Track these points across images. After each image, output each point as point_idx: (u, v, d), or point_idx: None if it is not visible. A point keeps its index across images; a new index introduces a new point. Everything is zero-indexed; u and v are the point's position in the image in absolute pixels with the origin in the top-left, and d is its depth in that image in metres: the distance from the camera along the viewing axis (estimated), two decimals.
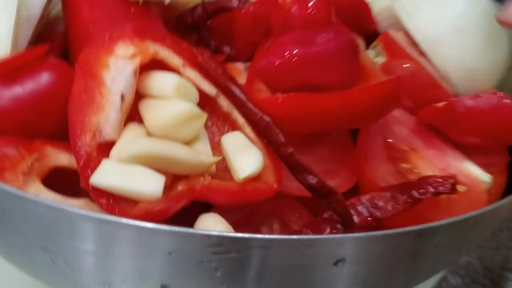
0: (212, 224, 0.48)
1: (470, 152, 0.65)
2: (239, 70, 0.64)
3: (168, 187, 0.50)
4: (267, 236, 0.43)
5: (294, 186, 0.58)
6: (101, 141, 0.49)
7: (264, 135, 0.54)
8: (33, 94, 0.54)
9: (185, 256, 0.42)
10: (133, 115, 0.54)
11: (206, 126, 0.58)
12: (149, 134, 0.52)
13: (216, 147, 0.56)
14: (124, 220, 0.40)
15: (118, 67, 0.52)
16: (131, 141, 0.48)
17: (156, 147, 0.48)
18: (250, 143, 0.53)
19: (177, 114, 0.51)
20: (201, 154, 0.51)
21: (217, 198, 0.50)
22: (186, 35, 0.68)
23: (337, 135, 0.64)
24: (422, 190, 0.54)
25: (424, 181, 0.55)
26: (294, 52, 0.55)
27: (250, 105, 0.54)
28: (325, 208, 0.53)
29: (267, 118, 0.54)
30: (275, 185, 0.51)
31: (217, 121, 0.58)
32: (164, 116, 0.51)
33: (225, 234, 0.41)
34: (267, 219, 0.59)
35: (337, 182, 0.60)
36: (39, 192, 0.50)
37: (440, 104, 0.63)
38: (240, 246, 0.41)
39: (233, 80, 0.56)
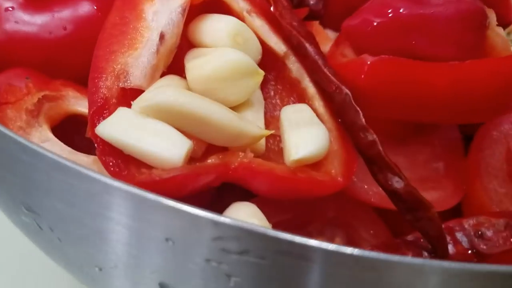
0: (243, 215, 0.35)
1: None
2: (326, 36, 0.51)
3: (198, 159, 0.38)
4: (311, 242, 0.28)
5: (372, 191, 0.43)
6: (126, 86, 0.38)
7: (339, 112, 0.40)
8: (69, 24, 0.45)
9: (187, 248, 0.29)
10: (177, 68, 0.42)
11: (267, 95, 0.46)
12: (190, 89, 0.40)
13: (275, 123, 0.43)
14: (107, 180, 0.28)
15: (164, 0, 0.41)
16: (156, 89, 0.37)
17: (187, 101, 0.35)
18: (316, 118, 0.39)
19: (226, 65, 0.38)
20: (247, 122, 0.38)
21: (257, 183, 0.37)
22: None
23: (444, 134, 0.48)
24: None
25: None
26: (400, 11, 0.41)
27: (326, 70, 0.40)
28: (411, 227, 0.38)
29: (345, 90, 0.39)
30: (340, 179, 0.37)
31: (281, 91, 0.45)
32: (209, 66, 0.39)
33: (243, 224, 0.27)
34: (327, 227, 0.44)
35: (435, 196, 0.44)
36: (45, 140, 0.40)
37: None
38: (265, 247, 0.28)
39: (310, 38, 0.42)
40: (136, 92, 0.39)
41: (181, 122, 0.36)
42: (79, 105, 0.43)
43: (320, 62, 0.41)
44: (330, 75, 0.40)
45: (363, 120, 0.38)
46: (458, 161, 0.46)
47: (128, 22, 0.41)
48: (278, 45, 0.43)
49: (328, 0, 0.51)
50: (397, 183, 0.37)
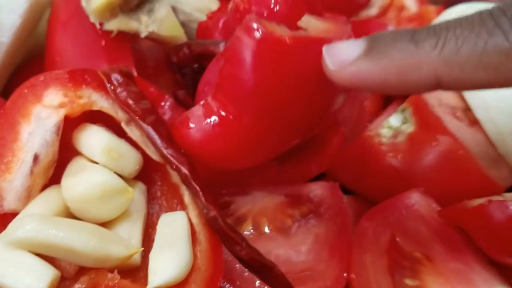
0: None
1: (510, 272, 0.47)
2: None
3: (72, 278, 0.40)
4: None
5: None
6: (0, 212, 0.40)
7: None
8: None
9: None
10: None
11: (155, 195, 0.47)
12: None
13: None
14: None
15: (41, 119, 0.43)
16: (20, 220, 0.38)
17: (47, 234, 0.37)
18: (186, 233, 0.41)
19: (94, 187, 0.40)
20: (114, 245, 0.39)
21: None
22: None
23: (331, 220, 0.50)
24: None
25: None
26: None
27: (163, 149, 0.43)
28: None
29: (184, 170, 0.42)
30: None
31: (167, 192, 0.46)
32: (78, 188, 0.40)
33: None
34: None
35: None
36: None
37: (471, 205, 0.46)
38: None
39: (148, 114, 0.44)
40: (14, 215, 0.40)
41: (47, 251, 0.38)
42: None
43: (157, 140, 0.43)
44: (167, 154, 0.42)
45: (203, 198, 0.41)
46: (343, 247, 0.48)
47: (5, 144, 0.42)
48: (155, 154, 0.45)
49: None
50: (241, 251, 0.40)
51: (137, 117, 0.43)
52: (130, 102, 0.43)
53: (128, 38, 0.54)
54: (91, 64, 0.53)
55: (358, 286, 0.45)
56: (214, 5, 0.61)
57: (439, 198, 0.52)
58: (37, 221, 0.38)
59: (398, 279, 0.46)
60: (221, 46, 0.51)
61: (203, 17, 0.60)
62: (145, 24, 0.52)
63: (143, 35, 0.53)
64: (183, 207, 0.44)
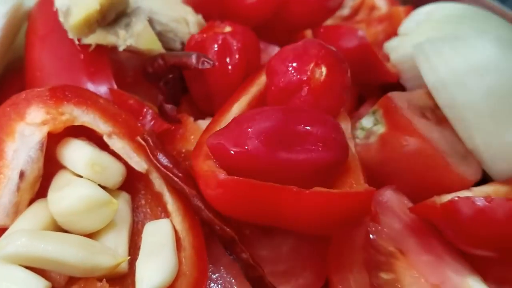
0: None
1: (479, 262, 0.50)
2: (197, 128, 0.54)
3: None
4: None
5: None
6: None
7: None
8: None
9: None
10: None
11: (139, 203, 0.49)
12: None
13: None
14: None
15: (25, 136, 0.44)
16: (10, 236, 0.40)
17: (37, 248, 0.39)
18: (170, 241, 0.43)
19: (79, 201, 0.42)
20: (101, 255, 0.41)
21: None
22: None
23: None
24: None
25: None
26: (255, 147, 0.43)
27: (207, 212, 0.45)
28: None
29: (229, 232, 0.44)
30: None
31: (150, 201, 0.48)
32: (64, 202, 0.42)
33: None
34: None
35: (297, 285, 0.49)
36: None
37: (440, 201, 0.49)
38: None
39: (185, 179, 0.46)
40: (3, 230, 0.42)
41: (37, 264, 0.40)
42: None
43: (201, 206, 0.45)
44: (212, 216, 0.44)
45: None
46: (322, 248, 0.50)
47: None
48: (139, 164, 0.47)
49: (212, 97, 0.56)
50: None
51: (180, 181, 0.45)
52: (170, 166, 0.45)
53: (106, 50, 0.56)
54: (71, 77, 0.54)
55: (337, 282, 0.47)
56: (190, 15, 0.63)
57: (410, 195, 0.54)
58: (26, 236, 0.39)
59: (374, 273, 0.48)
60: (193, 58, 0.53)
61: (180, 28, 0.62)
62: (123, 38, 0.54)
63: (121, 48, 0.54)
64: (167, 215, 0.46)
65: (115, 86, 0.54)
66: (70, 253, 0.39)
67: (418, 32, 0.69)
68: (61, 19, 0.54)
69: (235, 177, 0.42)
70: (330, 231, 0.47)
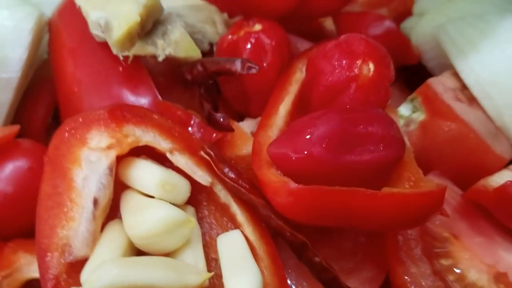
0: None
1: None
2: (247, 137, 0.54)
3: None
4: None
5: None
6: (71, 261, 0.42)
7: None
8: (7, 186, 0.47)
9: None
10: (114, 210, 0.46)
11: (202, 215, 0.49)
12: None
13: (214, 245, 0.47)
14: None
15: (91, 162, 0.44)
16: (99, 268, 0.40)
17: (126, 278, 0.39)
18: (249, 254, 0.44)
19: (158, 223, 0.42)
20: (188, 274, 0.42)
21: None
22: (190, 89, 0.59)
23: None
24: None
25: None
26: (319, 153, 0.44)
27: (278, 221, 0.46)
28: None
29: (301, 237, 0.46)
30: None
31: (214, 211, 0.49)
32: (144, 226, 0.42)
33: None
34: None
35: (362, 279, 0.51)
36: None
37: (487, 184, 0.51)
38: None
39: (252, 189, 0.47)
40: (83, 260, 0.42)
41: None
42: (32, 271, 0.46)
43: (271, 214, 0.46)
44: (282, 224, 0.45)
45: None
46: (379, 241, 0.52)
47: (61, 193, 0.43)
48: (203, 177, 0.47)
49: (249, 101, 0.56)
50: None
51: (247, 192, 0.45)
52: (236, 177, 0.46)
53: (141, 60, 0.55)
54: (112, 92, 0.53)
55: (401, 273, 0.49)
56: (216, 15, 0.62)
57: (453, 178, 0.57)
58: (117, 267, 0.40)
59: (434, 261, 0.50)
60: (238, 64, 0.53)
61: (208, 28, 0.62)
62: (162, 48, 0.53)
63: (160, 58, 0.53)
64: (236, 225, 0.47)
65: (159, 97, 0.54)
66: (160, 277, 0.40)
67: (435, 11, 0.70)
68: (94, 31, 0.53)
69: (307, 186, 0.43)
70: (403, 229, 0.49)
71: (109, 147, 0.44)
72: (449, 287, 0.48)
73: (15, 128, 0.49)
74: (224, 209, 0.48)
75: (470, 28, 0.61)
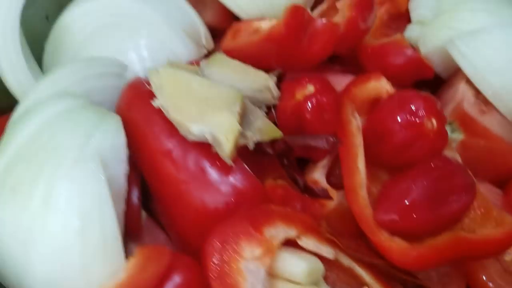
0: None
1: None
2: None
3: None
4: None
5: None
6: None
7: None
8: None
9: None
10: None
11: (326, 278, 0.59)
12: None
13: None
14: None
15: (252, 272, 0.51)
16: None
17: None
18: None
19: None
20: None
21: None
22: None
23: None
24: None
25: None
26: (420, 215, 0.56)
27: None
28: None
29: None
30: None
31: (338, 273, 0.59)
32: None
33: None
34: None
35: None
36: None
37: None
38: None
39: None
40: None
41: None
42: None
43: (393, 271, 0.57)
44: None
45: None
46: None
47: None
48: (329, 252, 0.56)
49: None
50: None
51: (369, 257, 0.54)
52: (356, 248, 0.54)
53: None
54: (219, 186, 0.59)
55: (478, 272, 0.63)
56: (269, 81, 0.68)
57: (490, 181, 0.70)
58: None
59: (500, 257, 0.64)
60: (323, 141, 0.60)
61: (265, 95, 0.67)
62: (251, 139, 0.58)
63: (251, 147, 0.59)
64: (363, 284, 0.57)
65: (258, 181, 0.60)
66: None
67: (438, 21, 0.77)
68: (190, 136, 0.57)
69: (429, 247, 0.54)
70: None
71: (263, 256, 0.52)
72: None
73: (165, 249, 0.55)
74: (349, 272, 0.58)
75: (480, 43, 0.71)
